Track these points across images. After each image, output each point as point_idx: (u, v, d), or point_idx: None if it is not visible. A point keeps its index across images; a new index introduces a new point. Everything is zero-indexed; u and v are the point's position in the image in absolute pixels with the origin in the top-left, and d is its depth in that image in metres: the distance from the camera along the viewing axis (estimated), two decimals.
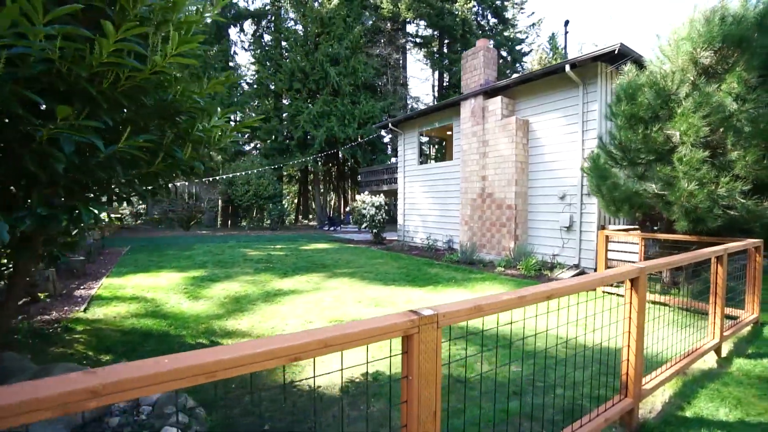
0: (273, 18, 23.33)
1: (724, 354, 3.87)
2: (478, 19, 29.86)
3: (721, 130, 4.54)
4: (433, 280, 7.42)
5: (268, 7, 23.93)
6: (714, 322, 3.75)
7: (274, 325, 4.82)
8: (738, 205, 4.58)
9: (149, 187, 2.82)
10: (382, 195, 13.32)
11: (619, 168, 5.61)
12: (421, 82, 58.88)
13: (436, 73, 29.97)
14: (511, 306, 1.77)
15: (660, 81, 5.02)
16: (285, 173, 28.36)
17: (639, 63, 6.18)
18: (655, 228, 6.00)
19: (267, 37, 23.70)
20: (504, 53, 31.08)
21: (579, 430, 2.27)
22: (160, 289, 6.81)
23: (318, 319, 5.09)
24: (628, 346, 2.62)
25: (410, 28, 29.06)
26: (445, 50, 28.23)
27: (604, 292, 6.10)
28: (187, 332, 4.55)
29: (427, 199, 12.32)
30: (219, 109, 2.88)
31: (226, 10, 24.09)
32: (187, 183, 20.66)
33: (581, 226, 8.02)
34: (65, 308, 5.35)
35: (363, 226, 13.08)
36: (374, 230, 13.01)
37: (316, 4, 22.35)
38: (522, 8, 46.67)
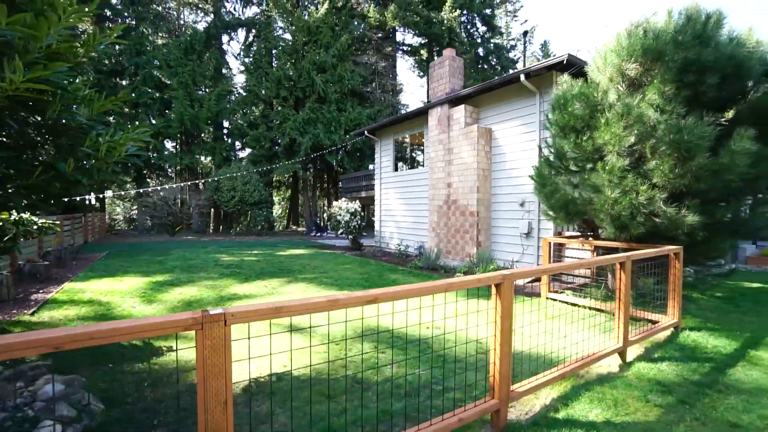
0: (262, 27, 23.70)
1: (631, 358, 3.96)
2: (468, 27, 30.23)
3: (642, 140, 4.66)
4: (388, 285, 7.53)
5: (258, 17, 24.34)
6: (618, 327, 3.85)
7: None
8: (661, 212, 4.70)
9: (39, 197, 2.95)
10: (357, 201, 13.47)
11: (557, 175, 5.73)
12: (417, 88, 59.33)
13: (426, 80, 30.27)
14: (320, 309, 1.89)
15: (589, 92, 5.17)
16: (275, 179, 28.59)
17: (585, 73, 6.34)
18: (590, 234, 6.11)
19: (256, 46, 24.06)
20: (493, 61, 31.37)
21: (427, 429, 2.38)
22: (119, 293, 6.94)
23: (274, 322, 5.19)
24: (494, 349, 2.73)
25: (400, 37, 29.48)
26: (435, 58, 28.56)
27: (548, 298, 6.19)
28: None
29: (401, 206, 12.46)
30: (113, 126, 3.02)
31: (217, 18, 24.53)
32: (168, 187, 20.91)
33: (539, 233, 8.13)
34: (13, 311, 5.48)
35: (339, 232, 13.21)
36: (350, 236, 13.14)
37: (305, 14, 22.73)
38: (515, 16, 47.20)
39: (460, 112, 9.31)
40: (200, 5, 28.02)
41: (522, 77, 7.78)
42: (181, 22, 28.74)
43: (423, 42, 28.65)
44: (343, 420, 2.76)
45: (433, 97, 10.71)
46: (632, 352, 4.11)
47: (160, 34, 25.57)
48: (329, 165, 23.81)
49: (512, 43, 46.11)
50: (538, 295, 6.48)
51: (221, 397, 1.64)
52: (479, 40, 30.37)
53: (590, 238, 5.95)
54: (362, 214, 13.23)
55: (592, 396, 3.16)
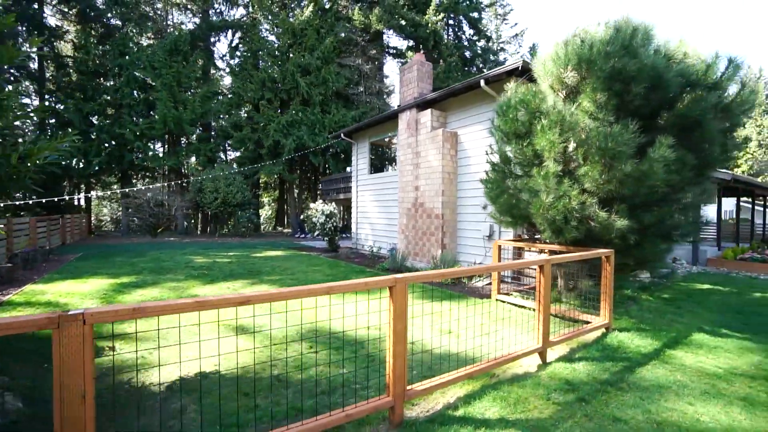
0: (247, 29, 23.78)
1: (553, 358, 4.11)
2: (456, 30, 30.45)
3: (575, 146, 4.82)
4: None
5: (244, 18, 24.42)
6: (538, 328, 3.99)
7: (146, 328, 5.03)
8: (594, 217, 4.86)
9: None
10: (333, 203, 13.58)
11: (503, 179, 5.89)
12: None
13: None
14: (185, 309, 2.01)
15: (529, 99, 5.33)
16: (262, 181, 28.63)
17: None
18: (537, 238, 6.27)
19: (242, 48, 24.13)
20: (480, 64, 31.59)
21: (312, 424, 2.50)
22: (79, 295, 7.00)
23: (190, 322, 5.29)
24: (389, 349, 2.86)
25: (389, 39, 29.65)
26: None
27: (497, 300, 6.33)
28: None
29: (376, 208, 12.59)
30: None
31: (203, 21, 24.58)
32: (151, 187, 20.92)
33: (500, 235, 8.29)
34: None
35: (315, 234, 13.31)
36: (326, 238, 13.25)
37: (290, 16, 22.84)
38: (505, 19, 47.58)
39: (427, 116, 9.46)
40: (188, 6, 28.06)
41: (482, 82, 7.94)
42: (169, 22, 28.79)
43: (411, 45, 28.86)
44: (251, 416, 2.87)
45: (402, 101, 10.86)
46: (556, 353, 4.26)
47: (148, 35, 25.58)
48: (315, 167, 23.91)
49: (502, 45, 46.54)
50: (489, 296, 6.63)
51: (79, 392, 1.76)
52: (466, 43, 30.58)
53: (537, 242, 6.11)
54: (338, 215, 13.34)
55: (497, 395, 3.30)
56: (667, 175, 4.59)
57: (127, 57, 20.20)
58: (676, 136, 4.62)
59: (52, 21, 22.87)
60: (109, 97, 20.34)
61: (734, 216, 23.43)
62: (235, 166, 22.06)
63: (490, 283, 7.84)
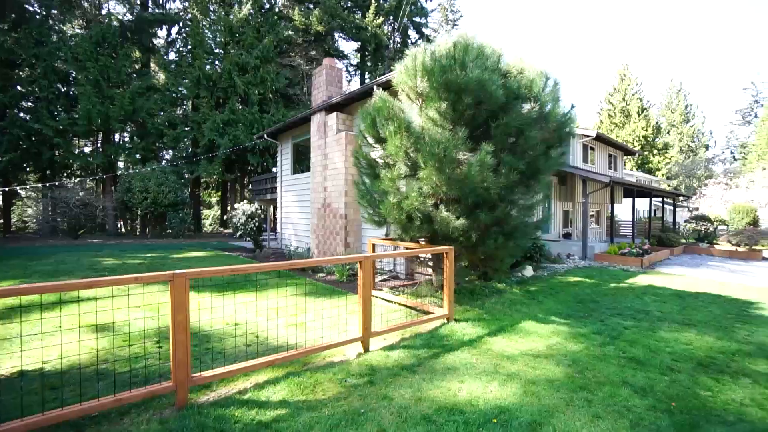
0: (183, 25, 23.05)
1: (379, 347, 4.45)
2: (401, 34, 31.07)
3: (417, 150, 5.22)
4: (241, 286, 7.73)
5: (181, 13, 23.62)
6: (361, 320, 4.32)
7: None
8: (436, 216, 5.28)
9: None
10: (255, 203, 13.54)
11: (368, 180, 6.23)
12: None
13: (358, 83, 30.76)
14: None
15: (385, 106, 5.69)
16: (203, 180, 27.81)
17: None
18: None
19: (178, 44, 23.36)
20: None
21: (74, 410, 2.63)
22: None
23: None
24: (171, 339, 3.05)
25: (341, 43, 29.74)
26: (369, 63, 29.11)
27: (374, 296, 6.67)
28: None
29: (297, 208, 12.70)
30: None
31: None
32: (67, 184, 19.79)
33: (392, 235, 8.68)
34: None
35: (237, 234, 13.21)
36: (247, 238, 13.18)
37: (228, 14, 22.36)
38: (456, 24, 48.97)
39: (333, 119, 9.72)
40: None
41: (375, 88, 8.28)
42: (104, 12, 27.21)
43: (356, 47, 29.14)
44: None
45: (314, 104, 11.07)
46: (387, 342, 4.62)
47: (73, 24, 24.05)
48: (254, 167, 23.56)
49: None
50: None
51: None
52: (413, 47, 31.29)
53: (404, 240, 6.51)
54: (261, 216, 13.32)
55: (295, 380, 3.57)
56: (497, 178, 5.09)
57: (45, 46, 18.93)
58: (504, 144, 5.14)
59: None
60: (23, 90, 18.99)
61: (658, 215, 25.63)
62: (163, 164, 21.28)
63: (385, 279, 8.21)
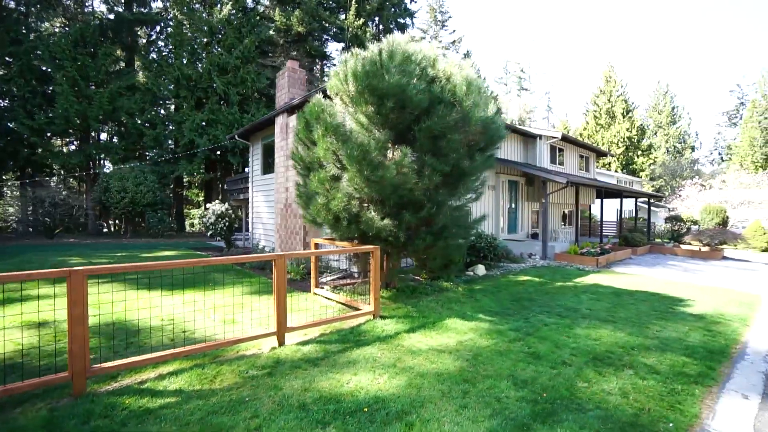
0: (164, 24, 23.10)
1: (295, 341, 4.64)
2: (385, 35, 31.20)
3: (339, 153, 5.41)
4: (200, 285, 7.87)
5: (162, 13, 23.68)
6: (276, 315, 4.50)
7: None
8: (363, 217, 5.48)
9: None
10: (226, 203, 13.69)
11: (305, 184, 6.41)
12: None
13: None
14: None
15: (317, 110, 5.88)
16: (186, 180, 27.86)
17: None
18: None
19: (159, 44, 23.41)
20: None
21: None
22: None
23: None
24: (68, 332, 3.22)
25: (330, 44, 29.86)
26: None
27: (314, 293, 6.87)
28: None
29: (266, 208, 12.85)
30: None
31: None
32: (39, 181, 19.82)
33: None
34: None
35: (209, 233, 13.35)
36: (218, 238, 13.32)
37: (208, 14, 22.43)
38: (444, 25, 49.19)
39: (293, 121, 9.87)
40: None
41: (329, 90, 8.47)
42: (88, 10, 27.17)
43: (342, 48, 29.27)
44: None
45: (278, 105, 11.23)
46: (308, 336, 4.81)
47: (53, 22, 24.04)
48: (235, 167, 23.67)
49: (443, 52, 48.01)
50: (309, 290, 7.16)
51: None
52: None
53: (345, 240, 6.70)
54: (233, 215, 13.46)
55: (199, 372, 3.76)
56: (420, 180, 5.29)
57: (21, 45, 18.94)
58: (428, 147, 5.34)
59: None
60: None
61: (651, 215, 26.03)
62: (142, 164, 21.31)
63: (339, 278, 8.40)
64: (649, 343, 4.87)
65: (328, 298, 6.53)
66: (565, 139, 15.19)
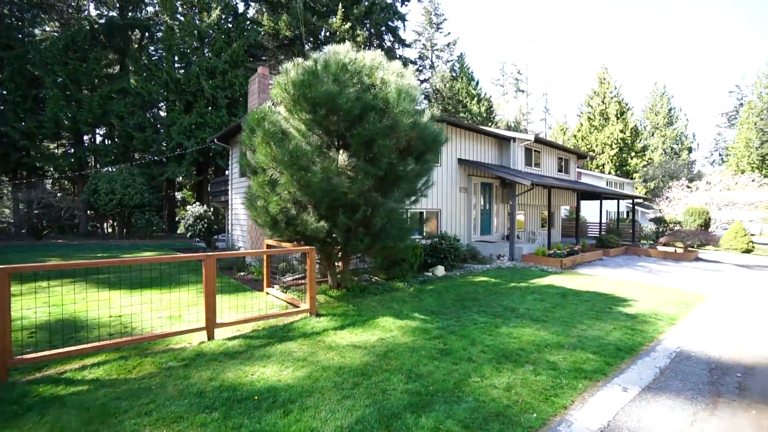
0: (154, 29, 23.53)
1: (225, 336, 4.91)
2: (378, 39, 31.56)
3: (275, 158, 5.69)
4: (165, 284, 8.18)
5: (152, 19, 24.12)
6: (206, 312, 4.79)
7: None
8: (299, 219, 5.75)
9: None
10: (205, 205, 14.01)
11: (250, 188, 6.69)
12: None
13: None
14: None
15: (259, 117, 6.15)
16: (178, 181, 28.27)
17: None
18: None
19: (150, 48, 23.84)
20: None
21: None
22: None
23: None
24: None
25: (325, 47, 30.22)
26: None
27: (266, 293, 7.15)
28: None
29: (242, 210, 13.15)
30: None
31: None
32: (23, 183, 20.25)
33: None
34: None
35: (188, 234, 13.67)
36: (197, 239, 13.64)
37: (197, 19, 22.84)
38: (439, 28, 49.42)
39: None
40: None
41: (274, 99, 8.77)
42: (85, 14, 27.68)
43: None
44: None
45: (249, 110, 11.53)
46: (241, 331, 5.08)
47: (52, 26, 24.55)
48: (224, 169, 24.02)
49: (437, 53, 48.34)
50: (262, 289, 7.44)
51: None
52: (388, 53, 31.78)
53: (292, 242, 6.98)
54: (212, 217, 13.79)
55: (120, 363, 4.06)
56: (353, 184, 5.55)
57: (13, 50, 19.41)
58: (362, 152, 5.61)
59: None
60: None
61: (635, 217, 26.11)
62: (128, 166, 21.70)
63: (295, 279, 8.67)
64: (566, 341, 5.09)
65: (278, 297, 6.80)
66: (540, 141, 15.40)
